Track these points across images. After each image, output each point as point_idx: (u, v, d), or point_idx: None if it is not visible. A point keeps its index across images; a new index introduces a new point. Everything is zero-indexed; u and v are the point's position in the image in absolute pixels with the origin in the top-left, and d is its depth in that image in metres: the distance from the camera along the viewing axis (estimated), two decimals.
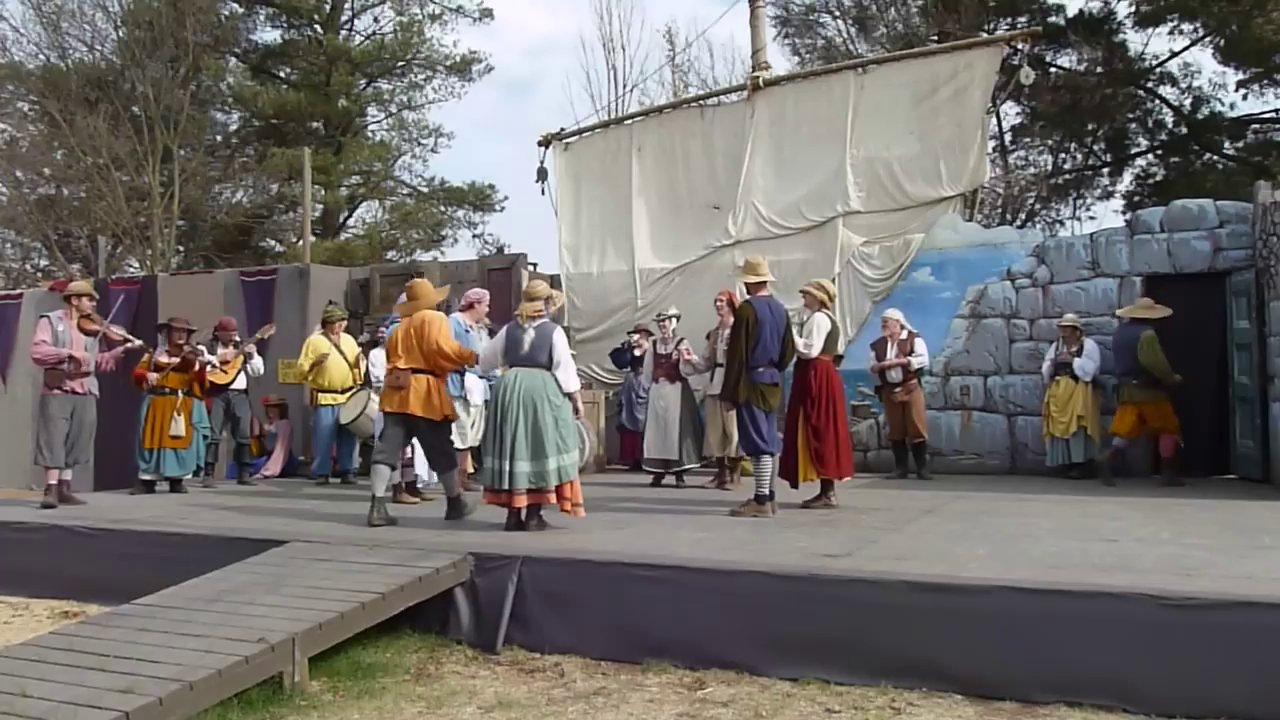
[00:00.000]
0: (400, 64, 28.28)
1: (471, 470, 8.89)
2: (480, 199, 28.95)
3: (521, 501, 6.39)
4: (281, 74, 28.98)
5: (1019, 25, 20.05)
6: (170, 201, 24.93)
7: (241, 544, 6.29)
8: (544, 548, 5.76)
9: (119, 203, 24.48)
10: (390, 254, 27.13)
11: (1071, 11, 21.91)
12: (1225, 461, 9.96)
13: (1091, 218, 24.02)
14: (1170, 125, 22.68)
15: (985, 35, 16.09)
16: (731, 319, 8.03)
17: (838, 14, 24.82)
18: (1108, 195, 23.96)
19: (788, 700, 4.43)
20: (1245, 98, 21.39)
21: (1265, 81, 20.93)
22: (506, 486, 6.37)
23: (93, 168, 24.58)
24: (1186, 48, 21.73)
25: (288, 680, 4.52)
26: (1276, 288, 8.89)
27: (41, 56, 26.58)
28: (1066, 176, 23.92)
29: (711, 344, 9.27)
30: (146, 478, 9.42)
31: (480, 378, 8.61)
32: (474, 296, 8.95)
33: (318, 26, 28.34)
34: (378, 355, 8.97)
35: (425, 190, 29.31)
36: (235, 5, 28.24)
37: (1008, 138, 23.80)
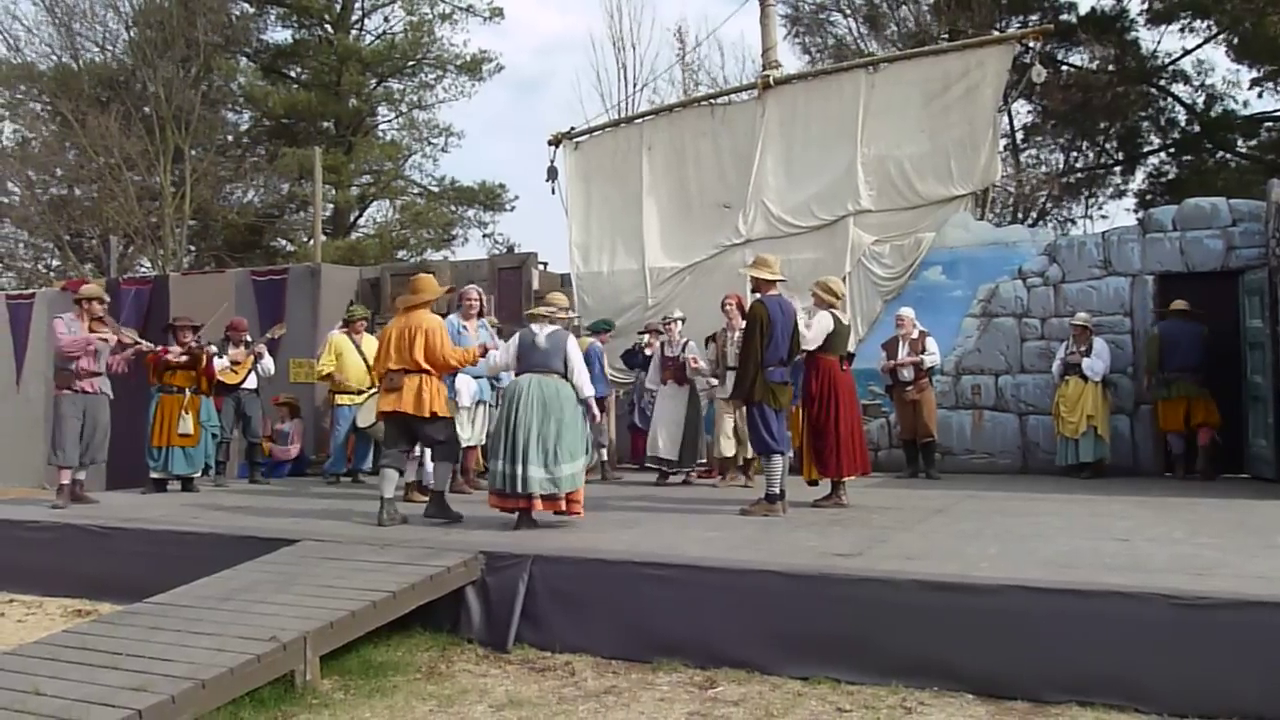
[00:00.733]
0: (411, 63, 28.36)
1: (481, 470, 8.91)
2: (490, 198, 29.04)
3: (538, 506, 6.43)
4: (292, 74, 29.09)
5: (1030, 23, 19.93)
6: (181, 201, 25.04)
7: (253, 543, 6.32)
8: (555, 547, 5.77)
9: (130, 203, 24.61)
10: (401, 253, 27.18)
11: (1083, 9, 21.81)
12: (1239, 461, 9.91)
13: (1103, 216, 23.96)
14: (1183, 123, 22.54)
15: (996, 33, 16.08)
16: (740, 322, 8.04)
17: (848, 12, 24.72)
18: (1120, 194, 23.84)
19: (799, 699, 4.43)
20: (1259, 95, 21.27)
21: (1279, 79, 20.79)
22: (518, 490, 6.39)
23: (104, 168, 24.70)
24: (1199, 45, 21.61)
25: (299, 678, 4.54)
26: None
27: (53, 57, 26.78)
28: (1078, 175, 23.79)
29: (718, 347, 9.27)
30: (157, 476, 9.45)
31: (476, 379, 8.64)
32: (462, 293, 9.03)
33: (328, 26, 28.43)
34: None
35: (436, 190, 29.41)
36: (246, 5, 28.35)
37: (1019, 136, 23.66)
